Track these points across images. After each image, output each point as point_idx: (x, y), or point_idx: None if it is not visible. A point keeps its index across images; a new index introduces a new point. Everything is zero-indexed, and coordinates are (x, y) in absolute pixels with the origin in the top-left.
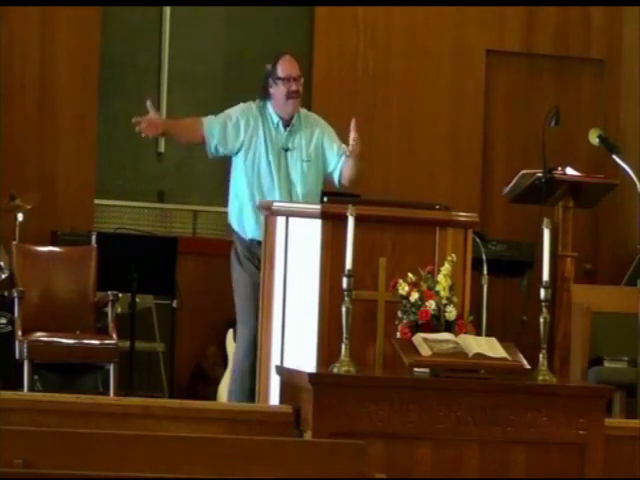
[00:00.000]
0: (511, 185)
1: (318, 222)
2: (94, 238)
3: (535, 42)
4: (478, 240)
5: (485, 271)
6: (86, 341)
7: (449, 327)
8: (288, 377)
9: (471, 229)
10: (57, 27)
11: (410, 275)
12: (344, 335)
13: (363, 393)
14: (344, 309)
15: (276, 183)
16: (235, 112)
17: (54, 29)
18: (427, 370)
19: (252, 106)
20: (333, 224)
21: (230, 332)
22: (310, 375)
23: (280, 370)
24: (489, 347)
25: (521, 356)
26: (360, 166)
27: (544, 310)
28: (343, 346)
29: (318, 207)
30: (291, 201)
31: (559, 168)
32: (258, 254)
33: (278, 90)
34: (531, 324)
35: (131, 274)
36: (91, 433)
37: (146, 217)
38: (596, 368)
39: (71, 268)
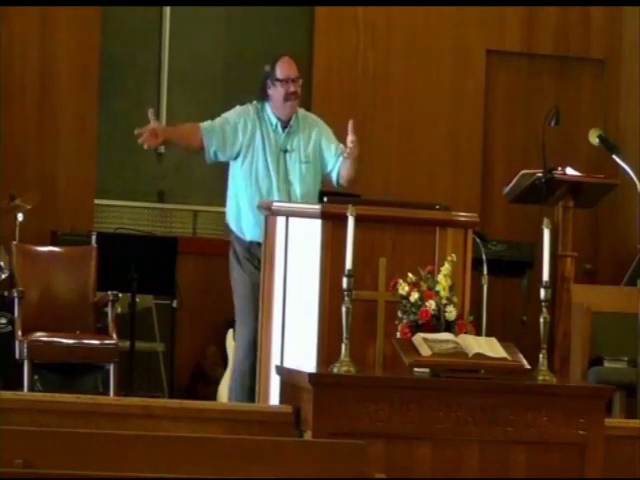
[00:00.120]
0: (511, 185)
1: (318, 222)
2: (94, 238)
3: (535, 42)
4: (478, 240)
5: (485, 271)
6: (86, 341)
7: (449, 327)
8: (288, 377)
9: (471, 229)
10: (57, 27)
11: (410, 275)
12: (344, 335)
13: (363, 393)
14: (344, 309)
15: (275, 184)
16: (232, 116)
17: (54, 29)
18: (427, 370)
19: (249, 108)
20: (333, 224)
21: (230, 332)
22: (310, 375)
23: (280, 370)
24: (489, 347)
25: (521, 356)
26: (358, 166)
27: (544, 310)
28: (343, 346)
29: (318, 207)
30: (290, 202)
31: (559, 168)
32: (257, 255)
33: (276, 91)
34: (531, 324)
35: (131, 274)
36: (91, 433)
37: (146, 217)
38: (596, 368)
39: (71, 268)
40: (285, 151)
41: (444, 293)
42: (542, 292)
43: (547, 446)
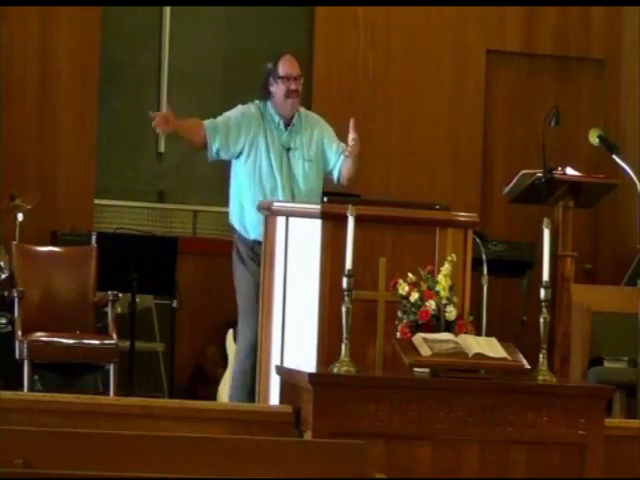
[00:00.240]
0: (511, 185)
1: (318, 222)
2: (94, 238)
3: (535, 42)
4: (478, 240)
5: (485, 271)
6: (86, 341)
7: (449, 327)
8: (288, 377)
9: (471, 229)
10: (57, 27)
11: (410, 275)
12: (344, 335)
13: (363, 393)
14: (344, 309)
15: (279, 183)
16: (235, 114)
17: (54, 29)
18: (427, 370)
19: (252, 107)
20: (333, 224)
21: (230, 332)
22: (310, 375)
23: (280, 370)
24: (489, 347)
25: (521, 356)
26: (358, 165)
27: (544, 310)
28: (343, 346)
29: (318, 207)
30: (294, 200)
31: (559, 168)
32: (261, 254)
33: (278, 89)
34: (531, 324)
35: (131, 274)
36: (91, 433)
37: (146, 217)
38: (596, 368)
39: (71, 268)
40: (288, 149)
41: (444, 293)
42: (542, 292)
43: (547, 446)
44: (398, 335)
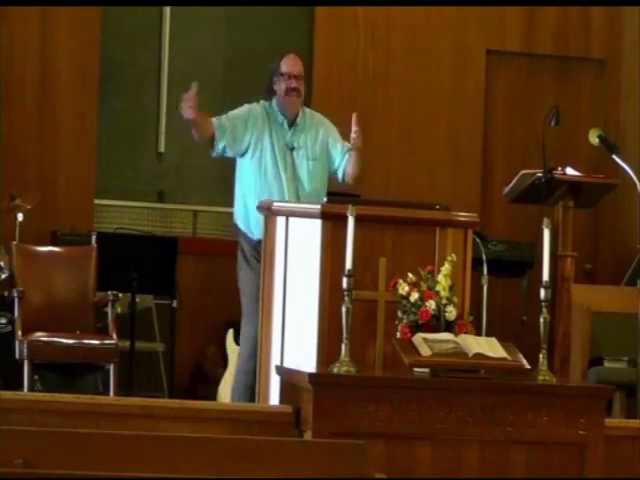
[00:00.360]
0: (511, 185)
1: (318, 222)
2: (94, 238)
3: (535, 42)
4: (478, 240)
5: (485, 271)
6: (86, 341)
7: (449, 327)
8: (288, 377)
9: (471, 229)
10: (57, 27)
11: (410, 275)
12: (344, 335)
13: (363, 393)
14: (344, 309)
15: (284, 182)
16: (241, 113)
17: (54, 29)
18: (427, 370)
19: (257, 106)
20: (333, 224)
21: (230, 332)
22: (310, 375)
23: (280, 370)
24: (489, 347)
25: (521, 356)
26: (362, 164)
27: (544, 310)
28: (343, 346)
29: (318, 207)
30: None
31: (559, 168)
32: None
33: (279, 86)
34: (531, 324)
35: (131, 274)
36: (91, 433)
37: (146, 217)
38: (596, 368)
39: (71, 268)
40: (292, 149)
41: (444, 293)
42: (542, 292)
43: (547, 446)
44: (398, 335)
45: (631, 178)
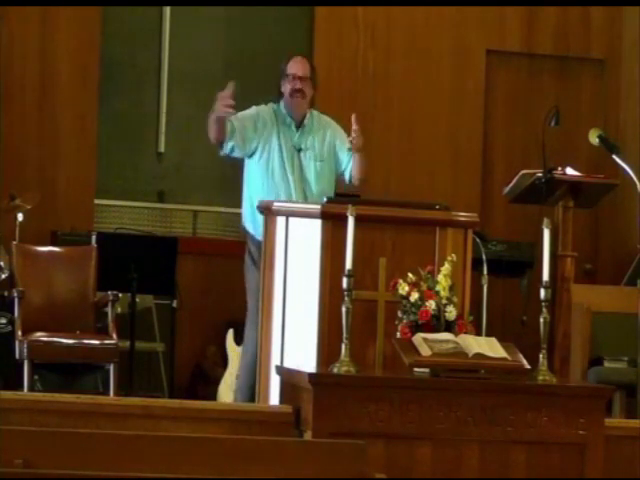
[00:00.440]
0: (511, 185)
1: (318, 222)
2: (94, 238)
3: (535, 42)
4: (478, 240)
5: (485, 271)
6: (86, 341)
7: (449, 327)
8: (288, 377)
9: (471, 229)
10: (57, 27)
11: (410, 275)
12: (344, 335)
13: (363, 393)
14: (344, 309)
15: (291, 184)
16: (250, 114)
17: (54, 29)
18: (427, 370)
19: (265, 108)
20: (333, 224)
21: (230, 332)
22: (310, 375)
23: (280, 370)
24: (489, 347)
25: (521, 356)
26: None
27: (544, 310)
28: (343, 346)
29: (318, 207)
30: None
31: (559, 168)
32: None
33: (285, 87)
34: (531, 324)
35: (131, 274)
36: (91, 433)
37: (146, 217)
38: (596, 368)
39: (71, 268)
40: (299, 150)
41: (444, 293)
42: (542, 292)
43: (547, 446)
44: (398, 335)
45: (631, 178)
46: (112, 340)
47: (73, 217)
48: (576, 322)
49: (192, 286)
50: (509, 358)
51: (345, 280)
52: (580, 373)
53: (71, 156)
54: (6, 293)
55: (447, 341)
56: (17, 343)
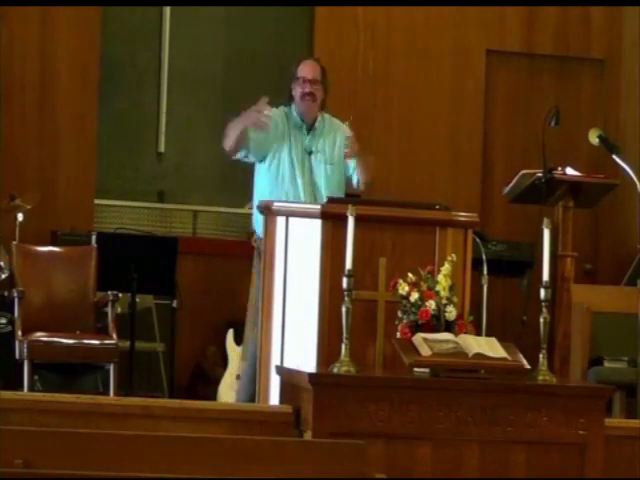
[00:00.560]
0: (511, 185)
1: (318, 222)
2: (94, 238)
3: (535, 42)
4: (478, 240)
5: (485, 271)
6: (86, 341)
7: (449, 327)
8: (288, 377)
9: (471, 229)
10: (57, 27)
11: (410, 275)
12: (344, 335)
13: (363, 393)
14: (344, 309)
15: (300, 187)
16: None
17: (54, 29)
18: (427, 370)
19: (277, 111)
20: (333, 224)
21: (230, 332)
22: (310, 375)
23: (280, 370)
24: (489, 347)
25: (521, 356)
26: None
27: (544, 310)
28: (343, 346)
29: (318, 207)
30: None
31: (559, 168)
32: None
33: (295, 90)
34: (531, 324)
35: (131, 274)
36: (91, 433)
37: (146, 217)
38: (596, 368)
39: (71, 268)
40: (310, 153)
41: (444, 293)
42: (542, 292)
43: (547, 446)
44: (398, 335)
45: (631, 178)
46: (112, 340)
47: (73, 217)
48: (576, 322)
49: (192, 286)
50: (509, 358)
51: (345, 280)
52: (580, 373)
53: (71, 156)
54: (6, 293)
55: (447, 341)
56: (17, 343)
